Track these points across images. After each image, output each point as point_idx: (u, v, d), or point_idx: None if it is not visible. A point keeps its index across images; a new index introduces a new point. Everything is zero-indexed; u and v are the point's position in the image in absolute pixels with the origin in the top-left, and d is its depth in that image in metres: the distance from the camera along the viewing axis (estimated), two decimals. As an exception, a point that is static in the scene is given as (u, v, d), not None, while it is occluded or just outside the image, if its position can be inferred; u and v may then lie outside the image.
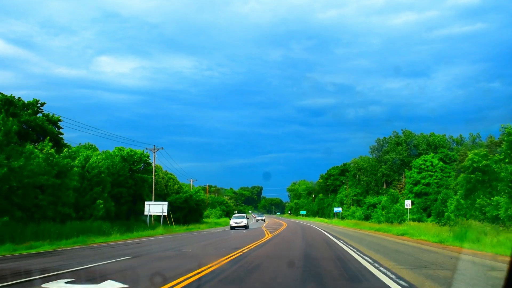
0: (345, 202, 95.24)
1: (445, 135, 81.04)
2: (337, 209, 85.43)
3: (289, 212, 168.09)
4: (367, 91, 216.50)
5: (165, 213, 43.54)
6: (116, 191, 40.06)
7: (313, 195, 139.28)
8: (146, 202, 43.67)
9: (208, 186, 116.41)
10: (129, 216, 45.30)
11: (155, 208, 43.41)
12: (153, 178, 48.97)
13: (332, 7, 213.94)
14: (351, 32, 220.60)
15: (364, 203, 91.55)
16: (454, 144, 79.88)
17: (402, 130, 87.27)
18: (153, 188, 48.62)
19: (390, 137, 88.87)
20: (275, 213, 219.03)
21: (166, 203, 44.61)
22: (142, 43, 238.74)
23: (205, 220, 72.65)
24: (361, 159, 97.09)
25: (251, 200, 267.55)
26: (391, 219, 58.36)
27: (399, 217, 56.52)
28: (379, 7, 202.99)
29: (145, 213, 43.18)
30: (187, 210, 60.01)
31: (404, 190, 78.05)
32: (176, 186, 68.42)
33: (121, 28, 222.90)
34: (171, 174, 70.95)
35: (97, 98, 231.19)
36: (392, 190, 78.29)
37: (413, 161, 72.11)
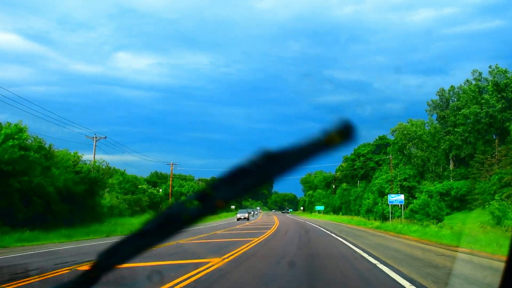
0: (387, 190, 59.75)
1: None
2: (395, 200, 50.13)
3: (302, 208, 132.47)
4: (384, 88, 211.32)
5: None
6: None
7: (333, 186, 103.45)
8: None
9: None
10: None
11: None
12: None
13: (349, 3, 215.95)
14: (368, 29, 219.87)
15: (419, 191, 56.13)
16: None
17: (489, 67, 51.02)
18: None
19: (467, 84, 52.84)
20: (287, 210, 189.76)
21: None
22: (158, 39, 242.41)
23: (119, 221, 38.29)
24: (412, 123, 61.34)
25: (260, 195, 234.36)
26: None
27: None
28: (396, 4, 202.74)
29: None
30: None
31: (503, 168, 42.55)
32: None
33: (137, 24, 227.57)
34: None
35: (114, 95, 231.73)
36: (475, 171, 42.97)
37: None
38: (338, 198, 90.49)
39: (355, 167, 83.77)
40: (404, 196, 56.26)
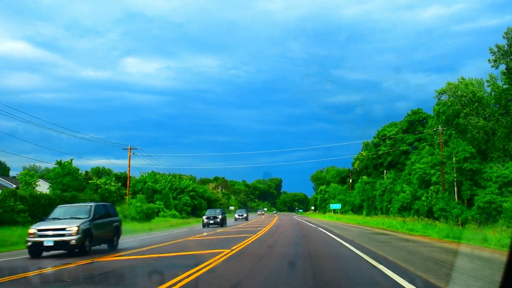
0: (434, 177, 41.41)
1: None
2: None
3: (313, 207, 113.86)
4: (393, 87, 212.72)
5: None
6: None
7: (350, 181, 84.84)
8: None
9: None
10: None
11: None
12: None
13: (357, 3, 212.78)
14: (377, 28, 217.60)
15: (485, 178, 38.14)
16: None
17: None
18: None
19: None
20: (297, 210, 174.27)
21: None
22: (166, 43, 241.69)
23: None
24: (465, 83, 43.12)
25: (268, 195, 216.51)
26: None
27: None
28: (405, 1, 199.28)
29: None
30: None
31: None
32: None
33: (145, 28, 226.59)
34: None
35: (123, 99, 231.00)
36: None
37: None
38: (357, 194, 72.07)
39: (379, 153, 65.64)
40: (466, 184, 38.06)
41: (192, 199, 61.37)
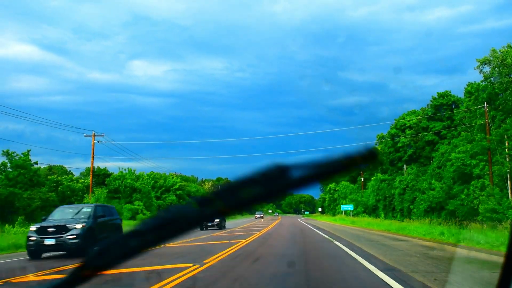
0: (477, 169, 32.19)
1: None
2: None
3: (320, 209, 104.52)
4: (400, 89, 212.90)
5: None
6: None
7: (362, 179, 75.29)
8: None
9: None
10: None
11: None
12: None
13: (364, 5, 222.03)
14: (383, 30, 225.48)
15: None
16: None
17: None
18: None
19: None
20: (303, 213, 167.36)
21: None
22: (173, 46, 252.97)
23: None
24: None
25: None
26: None
27: None
28: (411, 3, 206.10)
29: None
30: None
31: None
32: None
33: (152, 31, 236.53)
34: None
35: (130, 102, 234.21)
36: None
37: None
38: (371, 193, 62.75)
39: (398, 145, 56.47)
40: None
41: (179, 199, 52.45)
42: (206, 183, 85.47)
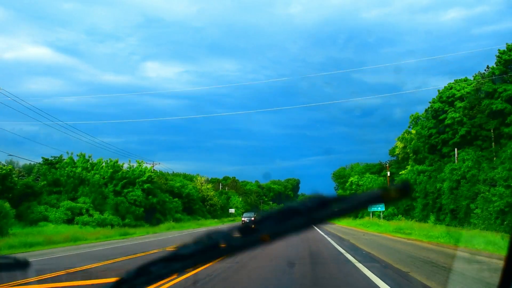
0: None
1: None
2: None
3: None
4: (413, 90, 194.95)
5: None
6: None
7: (388, 174, 60.38)
8: None
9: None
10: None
11: None
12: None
13: (377, 6, 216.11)
14: (397, 31, 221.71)
15: None
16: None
17: None
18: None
19: None
20: None
21: None
22: (186, 48, 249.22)
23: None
24: None
25: (284, 197, 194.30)
26: None
27: None
28: (425, 4, 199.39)
29: None
30: None
31: None
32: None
33: (164, 33, 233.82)
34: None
35: (143, 104, 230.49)
36: None
37: None
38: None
39: (442, 124, 41.92)
40: None
41: (147, 195, 38.60)
42: (199, 178, 71.96)
